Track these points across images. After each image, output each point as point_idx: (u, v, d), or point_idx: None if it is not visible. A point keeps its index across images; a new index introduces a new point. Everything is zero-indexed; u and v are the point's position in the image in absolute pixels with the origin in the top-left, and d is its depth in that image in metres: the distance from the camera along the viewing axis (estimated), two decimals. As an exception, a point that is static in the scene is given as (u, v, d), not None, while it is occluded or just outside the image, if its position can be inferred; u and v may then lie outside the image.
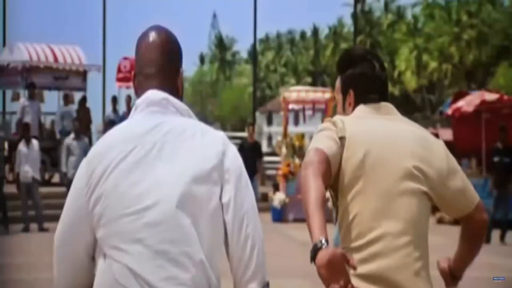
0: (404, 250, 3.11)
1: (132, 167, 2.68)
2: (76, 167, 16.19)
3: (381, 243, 3.10)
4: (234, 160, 2.76)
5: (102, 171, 2.69)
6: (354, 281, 2.81)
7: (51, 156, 21.29)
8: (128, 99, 23.87)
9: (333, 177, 3.11)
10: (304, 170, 2.99)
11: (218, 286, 2.71)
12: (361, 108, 3.32)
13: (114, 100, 23.83)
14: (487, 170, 18.41)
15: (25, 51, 22.86)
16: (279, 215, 19.48)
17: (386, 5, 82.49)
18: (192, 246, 2.64)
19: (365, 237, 3.10)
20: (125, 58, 26.57)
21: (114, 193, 2.67)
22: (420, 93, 71.09)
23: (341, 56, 3.47)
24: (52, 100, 24.53)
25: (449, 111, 20.57)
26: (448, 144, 3.59)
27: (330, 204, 3.37)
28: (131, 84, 16.29)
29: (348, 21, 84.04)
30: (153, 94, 2.80)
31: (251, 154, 17.89)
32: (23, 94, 22.71)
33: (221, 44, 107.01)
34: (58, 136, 22.22)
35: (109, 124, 20.85)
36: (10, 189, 17.55)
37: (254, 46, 31.20)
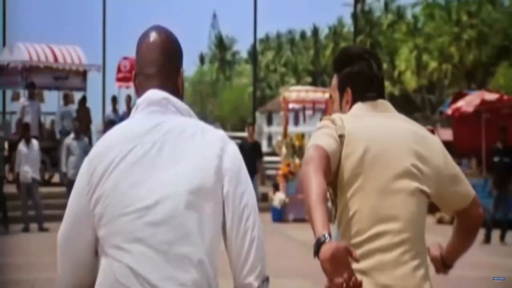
0: (403, 247, 3.14)
1: (132, 166, 2.69)
2: (76, 167, 16.32)
3: (380, 240, 3.12)
4: (234, 156, 2.76)
5: (102, 171, 2.70)
6: (353, 275, 2.83)
7: (51, 156, 21.29)
8: (128, 99, 23.85)
9: (332, 174, 3.13)
10: (304, 166, 2.99)
11: (217, 286, 2.71)
12: (358, 106, 3.34)
13: (114, 100, 23.82)
14: (487, 170, 18.40)
15: (25, 51, 22.85)
16: (279, 215, 19.47)
17: (386, 5, 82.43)
18: (193, 246, 2.64)
19: (364, 234, 3.13)
20: (125, 58, 26.56)
21: (114, 192, 2.67)
22: (420, 93, 71.04)
23: (338, 54, 3.48)
24: (52, 100, 24.58)
25: (449, 111, 20.56)
26: (448, 144, 3.60)
27: (329, 204, 3.37)
28: (131, 84, 16.36)
29: (348, 21, 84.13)
30: (154, 94, 2.80)
31: (251, 154, 17.86)
32: (23, 94, 22.71)
33: (221, 44, 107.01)
34: (58, 136, 22.22)
35: (109, 124, 20.85)
36: (10, 189, 17.55)
37: (254, 46, 31.19)
